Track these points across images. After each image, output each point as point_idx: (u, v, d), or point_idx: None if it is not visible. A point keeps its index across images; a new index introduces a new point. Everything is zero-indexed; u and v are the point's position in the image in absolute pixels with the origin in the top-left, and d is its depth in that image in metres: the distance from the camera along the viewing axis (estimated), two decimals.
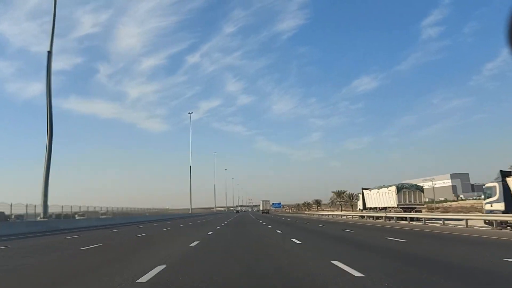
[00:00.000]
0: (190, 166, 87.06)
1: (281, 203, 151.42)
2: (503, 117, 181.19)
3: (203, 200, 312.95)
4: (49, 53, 32.59)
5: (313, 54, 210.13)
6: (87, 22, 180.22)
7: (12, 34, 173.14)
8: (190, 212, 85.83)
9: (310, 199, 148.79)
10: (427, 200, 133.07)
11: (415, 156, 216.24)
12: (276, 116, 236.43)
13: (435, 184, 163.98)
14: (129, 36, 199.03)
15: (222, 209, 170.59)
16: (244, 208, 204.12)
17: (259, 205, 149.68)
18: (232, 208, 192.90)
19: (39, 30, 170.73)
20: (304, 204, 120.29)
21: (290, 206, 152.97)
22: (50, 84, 32.21)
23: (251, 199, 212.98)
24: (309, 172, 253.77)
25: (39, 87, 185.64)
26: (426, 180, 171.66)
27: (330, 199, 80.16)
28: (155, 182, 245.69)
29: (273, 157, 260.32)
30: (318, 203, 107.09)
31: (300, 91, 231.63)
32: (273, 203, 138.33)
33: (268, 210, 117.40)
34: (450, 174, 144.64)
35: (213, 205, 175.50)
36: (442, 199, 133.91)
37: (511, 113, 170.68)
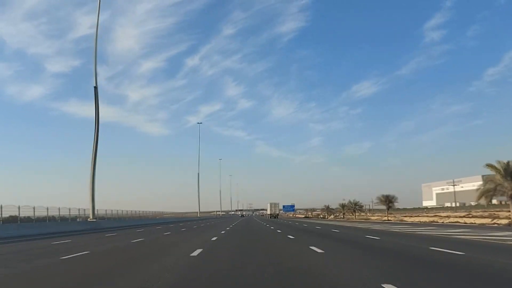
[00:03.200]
0: (95, 135, 71.00)
1: (295, 206, 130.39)
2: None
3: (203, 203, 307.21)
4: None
5: (313, 57, 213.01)
6: (84, 23, 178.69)
7: (9, 35, 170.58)
8: (89, 218, 41.20)
9: (310, 205, 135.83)
10: (456, 205, 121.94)
11: (422, 160, 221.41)
12: (275, 121, 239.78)
13: (463, 187, 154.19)
14: (128, 38, 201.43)
15: (221, 213, 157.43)
16: (245, 213, 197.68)
17: (265, 210, 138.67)
18: (232, 213, 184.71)
19: (36, 31, 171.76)
20: (346, 206, 79.12)
21: (307, 210, 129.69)
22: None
23: (251, 204, 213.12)
24: (309, 177, 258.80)
25: (39, 90, 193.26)
26: (451, 183, 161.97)
27: (483, 181, 37.37)
28: (153, 186, 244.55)
29: (273, 162, 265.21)
30: (389, 201, 63.38)
31: (300, 95, 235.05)
32: (283, 206, 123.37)
33: (277, 215, 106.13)
34: (482, 176, 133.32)
35: (212, 209, 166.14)
36: (474, 203, 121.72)
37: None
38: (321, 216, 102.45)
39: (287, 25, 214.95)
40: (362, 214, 78.16)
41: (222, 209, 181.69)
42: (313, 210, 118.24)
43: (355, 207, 77.19)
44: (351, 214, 77.19)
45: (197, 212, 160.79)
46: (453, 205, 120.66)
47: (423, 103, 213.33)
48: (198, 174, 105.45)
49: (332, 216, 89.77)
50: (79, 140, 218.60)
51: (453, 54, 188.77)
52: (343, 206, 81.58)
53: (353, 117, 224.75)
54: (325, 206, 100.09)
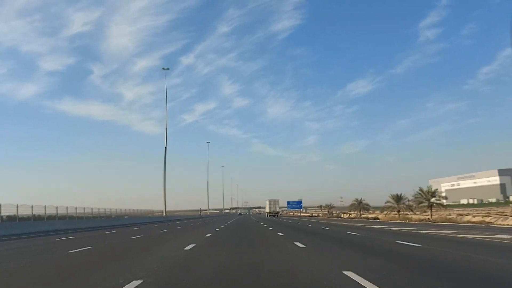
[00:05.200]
0: None
1: (302, 203, 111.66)
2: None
3: (190, 201, 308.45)
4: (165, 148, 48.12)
5: (308, 56, 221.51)
6: (78, 20, 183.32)
7: (1, 32, 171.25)
8: None
9: (309, 203, 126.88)
10: (474, 201, 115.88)
11: (424, 157, 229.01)
12: (271, 119, 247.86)
13: (476, 182, 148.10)
14: (122, 36, 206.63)
15: (208, 211, 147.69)
16: (241, 211, 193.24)
17: (262, 207, 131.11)
18: (226, 211, 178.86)
19: (29, 28, 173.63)
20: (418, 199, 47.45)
21: (321, 207, 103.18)
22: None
23: (247, 202, 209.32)
24: (305, 176, 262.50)
25: (33, 88, 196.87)
26: (462, 178, 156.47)
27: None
28: (145, 184, 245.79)
29: (269, 161, 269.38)
30: None
31: (296, 94, 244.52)
32: (288, 202, 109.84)
33: (277, 213, 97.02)
34: (498, 170, 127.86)
35: (201, 207, 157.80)
36: (494, 200, 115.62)
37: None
38: (346, 215, 74.02)
39: (282, 23, 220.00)
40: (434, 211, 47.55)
41: (214, 207, 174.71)
42: (330, 206, 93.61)
43: (431, 198, 44.50)
44: (417, 213, 48.97)
45: (197, 211, 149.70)
46: (470, 201, 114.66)
47: (419, 102, 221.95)
48: (165, 148, 79.10)
49: (381, 215, 58.68)
50: (72, 138, 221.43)
51: (448, 53, 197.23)
52: (398, 198, 51.29)
53: (348, 115, 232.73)
54: (356, 200, 69.87)
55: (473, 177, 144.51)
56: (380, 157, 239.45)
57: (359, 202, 69.29)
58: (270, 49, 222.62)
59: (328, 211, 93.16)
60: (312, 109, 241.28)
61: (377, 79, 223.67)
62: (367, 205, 69.77)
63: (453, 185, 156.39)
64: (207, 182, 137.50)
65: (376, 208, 74.91)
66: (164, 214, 74.73)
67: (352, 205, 72.97)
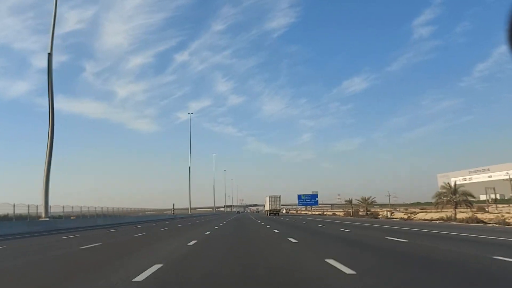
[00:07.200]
0: None
1: (317, 197, 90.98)
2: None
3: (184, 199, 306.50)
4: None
5: (303, 53, 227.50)
6: (71, 18, 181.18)
7: None
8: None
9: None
10: (496, 196, 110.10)
11: (416, 155, 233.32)
12: (266, 117, 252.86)
13: (491, 176, 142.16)
14: (116, 33, 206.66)
15: (189, 210, 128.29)
16: (236, 209, 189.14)
17: (259, 205, 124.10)
18: (221, 209, 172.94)
19: (22, 26, 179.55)
20: None
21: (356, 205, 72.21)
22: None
23: (242, 200, 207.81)
24: (300, 174, 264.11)
25: (25, 86, 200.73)
26: (475, 172, 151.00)
27: None
28: (142, 183, 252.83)
29: (264, 158, 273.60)
30: None
31: (291, 91, 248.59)
32: (298, 196, 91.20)
33: (279, 211, 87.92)
34: None
35: (194, 204, 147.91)
36: None
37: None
38: (388, 213, 57.34)
39: (277, 20, 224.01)
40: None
41: (206, 206, 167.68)
42: (368, 202, 66.91)
43: None
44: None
45: (187, 209, 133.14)
46: (487, 197, 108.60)
47: (414, 99, 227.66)
48: (49, 72, 62.54)
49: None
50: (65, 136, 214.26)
51: (443, 50, 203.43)
52: None
53: (344, 113, 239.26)
54: (446, 186, 41.70)
55: (487, 170, 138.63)
56: (375, 155, 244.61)
57: (454, 190, 40.00)
58: (265, 47, 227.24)
59: (366, 208, 65.80)
60: (307, 107, 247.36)
61: (372, 77, 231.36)
62: (471, 195, 41.24)
63: (464, 179, 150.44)
64: (189, 168, 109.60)
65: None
66: (43, 216, 36.03)
67: (439, 194, 42.05)
